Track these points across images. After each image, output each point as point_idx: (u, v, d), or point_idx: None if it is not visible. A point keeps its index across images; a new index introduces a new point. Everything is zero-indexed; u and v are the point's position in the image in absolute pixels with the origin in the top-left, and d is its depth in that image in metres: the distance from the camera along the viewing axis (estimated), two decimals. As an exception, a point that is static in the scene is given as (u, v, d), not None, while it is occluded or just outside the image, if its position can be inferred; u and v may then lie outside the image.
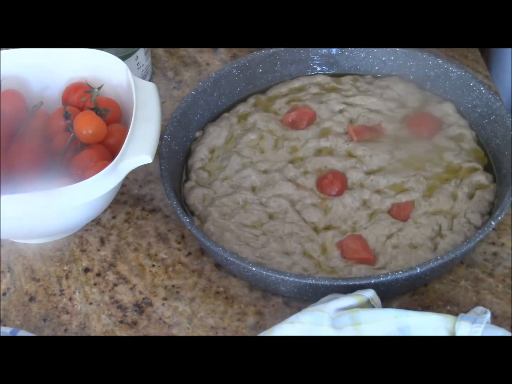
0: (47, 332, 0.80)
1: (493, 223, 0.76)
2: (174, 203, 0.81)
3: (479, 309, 0.70)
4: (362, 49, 0.97)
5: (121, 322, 0.80)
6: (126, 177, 0.79)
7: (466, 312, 0.70)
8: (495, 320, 0.77)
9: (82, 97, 0.87)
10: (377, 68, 0.98)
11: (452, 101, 0.94)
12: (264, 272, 0.76)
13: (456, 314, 0.69)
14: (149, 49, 1.02)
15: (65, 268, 0.85)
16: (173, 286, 0.83)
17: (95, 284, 0.84)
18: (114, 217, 0.90)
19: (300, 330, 0.69)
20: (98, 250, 0.87)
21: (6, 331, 0.76)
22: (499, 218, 0.77)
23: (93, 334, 0.79)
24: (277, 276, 0.75)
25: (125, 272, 0.85)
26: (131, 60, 0.97)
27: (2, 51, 0.88)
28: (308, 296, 0.77)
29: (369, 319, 0.69)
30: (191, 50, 1.10)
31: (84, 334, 0.80)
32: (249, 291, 0.82)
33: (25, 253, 0.87)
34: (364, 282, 0.74)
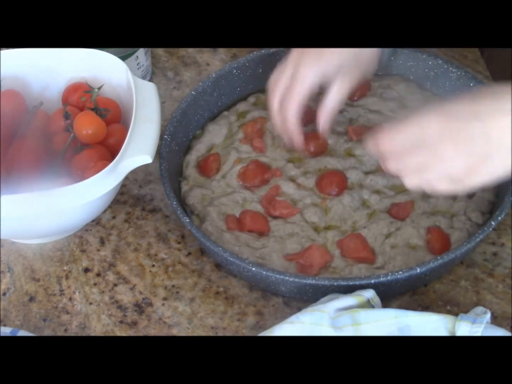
0: (47, 332, 0.80)
1: (493, 223, 0.76)
2: (174, 203, 0.81)
3: (479, 309, 0.70)
4: (362, 49, 0.97)
5: (121, 322, 0.80)
6: (126, 177, 0.79)
7: (466, 312, 0.70)
8: (495, 320, 0.77)
9: (82, 97, 0.87)
10: (377, 68, 0.98)
11: (452, 101, 0.94)
12: (264, 272, 0.76)
13: (456, 314, 0.69)
14: (149, 49, 1.02)
15: (65, 268, 0.85)
16: (173, 286, 0.83)
17: (95, 284, 0.84)
18: (114, 217, 0.90)
19: (300, 330, 0.69)
20: (98, 250, 0.87)
21: (6, 331, 0.76)
22: (499, 218, 0.77)
23: (93, 334, 0.79)
24: (277, 276, 0.75)
25: (125, 272, 0.85)
26: (131, 60, 0.97)
27: (2, 51, 0.88)
28: (308, 296, 0.77)
29: (369, 319, 0.69)
30: (191, 50, 1.10)
31: (84, 334, 0.80)
32: (249, 291, 0.82)
33: (25, 253, 0.87)
34: (364, 282, 0.74)
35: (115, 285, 0.84)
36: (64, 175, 0.82)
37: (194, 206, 0.87)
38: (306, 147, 0.90)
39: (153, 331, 0.79)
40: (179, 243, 0.87)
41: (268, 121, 0.93)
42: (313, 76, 0.81)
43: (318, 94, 0.96)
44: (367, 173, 0.88)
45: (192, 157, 0.91)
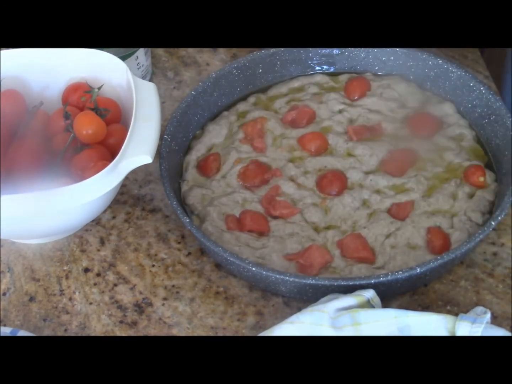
0: (47, 332, 0.80)
1: (493, 223, 0.76)
2: (174, 203, 0.81)
3: (479, 309, 0.70)
4: (362, 49, 0.97)
5: (121, 322, 0.80)
6: (126, 177, 0.79)
7: (466, 312, 0.70)
8: (495, 320, 0.77)
9: (82, 97, 0.87)
10: (377, 68, 0.98)
11: (452, 101, 0.94)
12: (264, 272, 0.76)
13: (456, 314, 0.69)
14: (149, 49, 1.02)
15: (65, 268, 0.85)
16: (173, 286, 0.83)
17: (95, 284, 0.84)
18: (114, 217, 0.90)
19: (300, 330, 0.69)
20: (98, 250, 0.87)
21: (6, 331, 0.76)
22: (499, 218, 0.77)
23: (93, 334, 0.79)
24: (277, 276, 0.75)
25: (125, 272, 0.85)
26: (131, 60, 0.97)
27: (2, 51, 0.88)
28: (308, 296, 0.77)
29: (369, 319, 0.69)
30: (191, 50, 1.10)
31: (84, 334, 0.80)
32: (249, 291, 0.82)
33: (25, 253, 0.87)
34: (364, 282, 0.74)
35: (115, 285, 0.84)
36: (64, 175, 0.81)
37: (194, 206, 0.87)
38: (306, 147, 0.90)
39: (153, 331, 0.79)
40: (179, 243, 0.87)
41: (268, 121, 0.93)
42: None
43: (316, 95, 0.97)
44: (367, 173, 0.88)
45: (192, 157, 0.91)
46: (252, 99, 0.97)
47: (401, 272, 0.74)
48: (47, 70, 0.90)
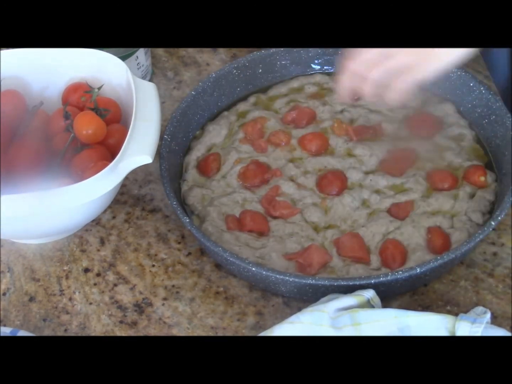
0: (47, 332, 0.80)
1: (493, 223, 0.76)
2: (174, 203, 0.81)
3: (479, 309, 0.70)
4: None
5: (121, 322, 0.80)
6: (126, 177, 0.79)
7: (466, 312, 0.70)
8: (495, 320, 0.77)
9: (82, 97, 0.87)
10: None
11: (452, 101, 0.94)
12: (264, 272, 0.76)
13: (456, 314, 0.69)
14: (149, 49, 1.02)
15: (65, 268, 0.85)
16: (173, 286, 0.83)
17: (95, 284, 0.84)
18: (114, 217, 0.90)
19: (300, 330, 0.69)
20: (98, 250, 0.87)
21: (6, 331, 0.76)
22: (499, 218, 0.77)
23: (93, 334, 0.79)
24: (277, 276, 0.75)
25: (125, 272, 0.85)
26: (131, 60, 0.97)
27: (2, 51, 0.88)
28: (308, 296, 0.77)
29: (369, 319, 0.69)
30: (191, 50, 1.10)
31: (84, 334, 0.80)
32: (249, 291, 0.82)
33: (25, 253, 0.87)
34: (364, 282, 0.74)
35: (115, 285, 0.84)
36: (64, 175, 0.82)
37: (194, 206, 0.87)
38: (306, 147, 0.90)
39: (153, 331, 0.79)
40: (179, 243, 0.87)
41: (268, 121, 0.93)
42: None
43: (316, 95, 0.97)
44: (367, 173, 0.88)
45: (192, 157, 0.91)
46: (252, 99, 0.97)
47: (401, 272, 0.74)
48: (47, 70, 0.90)
